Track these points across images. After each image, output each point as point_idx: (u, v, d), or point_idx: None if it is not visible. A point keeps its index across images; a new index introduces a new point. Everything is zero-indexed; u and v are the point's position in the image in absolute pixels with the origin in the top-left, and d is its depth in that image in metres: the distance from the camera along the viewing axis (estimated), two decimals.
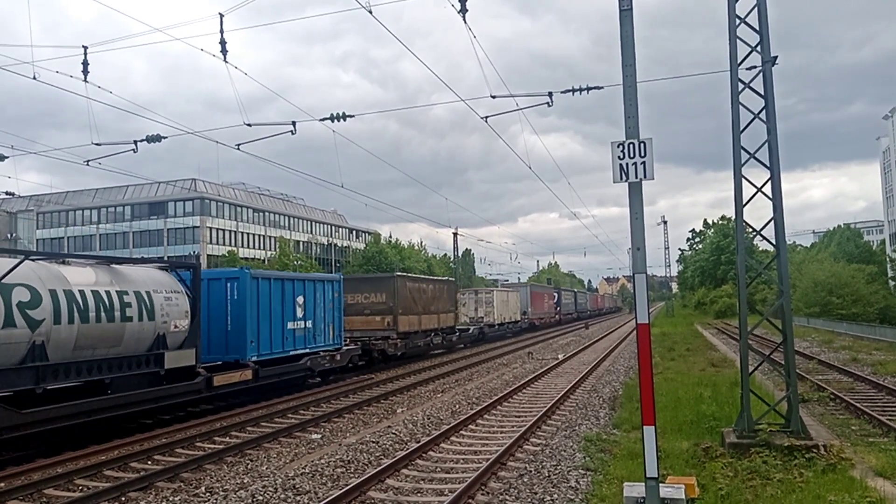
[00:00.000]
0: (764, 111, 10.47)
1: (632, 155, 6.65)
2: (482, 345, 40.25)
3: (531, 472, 9.82)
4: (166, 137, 17.03)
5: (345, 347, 21.86)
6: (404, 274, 33.48)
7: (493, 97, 15.66)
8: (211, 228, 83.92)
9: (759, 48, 10.43)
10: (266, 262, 79.56)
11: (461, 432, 13.16)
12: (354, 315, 26.09)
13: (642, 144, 6.64)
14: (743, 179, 10.45)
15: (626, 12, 6.95)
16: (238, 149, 17.34)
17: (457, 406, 16.37)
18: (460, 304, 41.06)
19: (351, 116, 16.16)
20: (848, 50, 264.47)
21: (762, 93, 10.50)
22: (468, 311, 42.33)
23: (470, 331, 38.15)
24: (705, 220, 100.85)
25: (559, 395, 16.83)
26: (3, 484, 10.11)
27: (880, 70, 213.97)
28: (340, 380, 21.82)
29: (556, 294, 68.85)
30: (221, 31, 13.86)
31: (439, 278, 38.90)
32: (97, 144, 17.21)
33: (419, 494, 9.16)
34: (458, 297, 40.34)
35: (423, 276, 39.50)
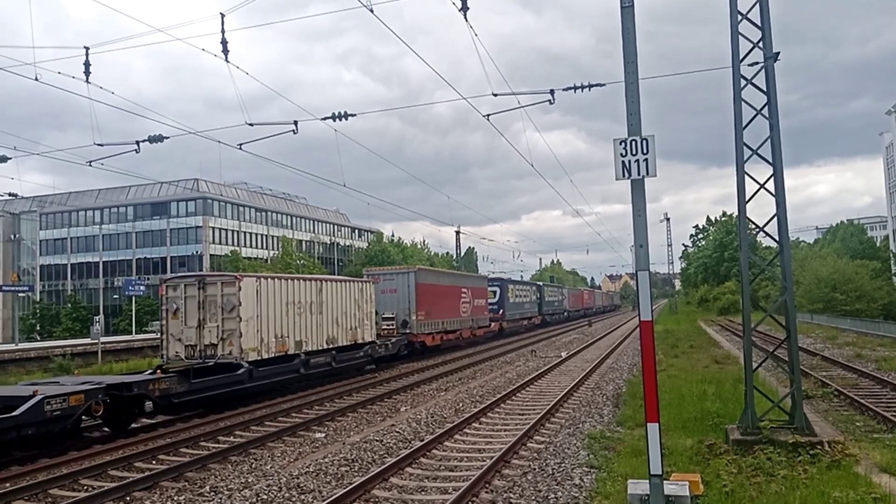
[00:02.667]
0: (766, 107, 10.44)
1: (634, 152, 6.64)
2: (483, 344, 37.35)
3: (535, 469, 9.82)
4: (168, 137, 17.03)
5: None
6: None
7: (495, 95, 15.64)
8: (213, 228, 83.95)
9: (761, 44, 10.41)
10: (269, 261, 79.66)
11: (465, 430, 13.17)
12: None
13: (644, 141, 6.62)
14: (746, 176, 10.43)
15: (627, 9, 6.93)
16: (240, 148, 17.35)
17: (460, 404, 16.38)
18: (163, 308, 18.77)
19: (353, 115, 16.15)
20: (853, 45, 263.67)
21: (765, 89, 10.47)
22: (180, 331, 18.24)
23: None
24: (707, 216, 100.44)
25: (562, 393, 16.83)
26: (8, 484, 10.16)
27: (886, 65, 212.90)
28: None
29: (496, 289, 44.44)
30: (223, 31, 13.86)
31: None
32: (99, 145, 17.23)
33: (423, 493, 9.17)
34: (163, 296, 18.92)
35: None
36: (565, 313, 67.72)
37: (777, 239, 10.60)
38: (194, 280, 18.81)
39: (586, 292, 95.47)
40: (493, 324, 42.01)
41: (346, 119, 16.08)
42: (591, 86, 15.11)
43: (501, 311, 44.34)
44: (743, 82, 10.46)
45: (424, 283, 30.49)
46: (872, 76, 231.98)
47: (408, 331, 28.87)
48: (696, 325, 51.68)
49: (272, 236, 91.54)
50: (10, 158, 18.55)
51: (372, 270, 30.20)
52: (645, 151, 6.61)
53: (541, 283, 61.53)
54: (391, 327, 28.59)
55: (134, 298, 51.66)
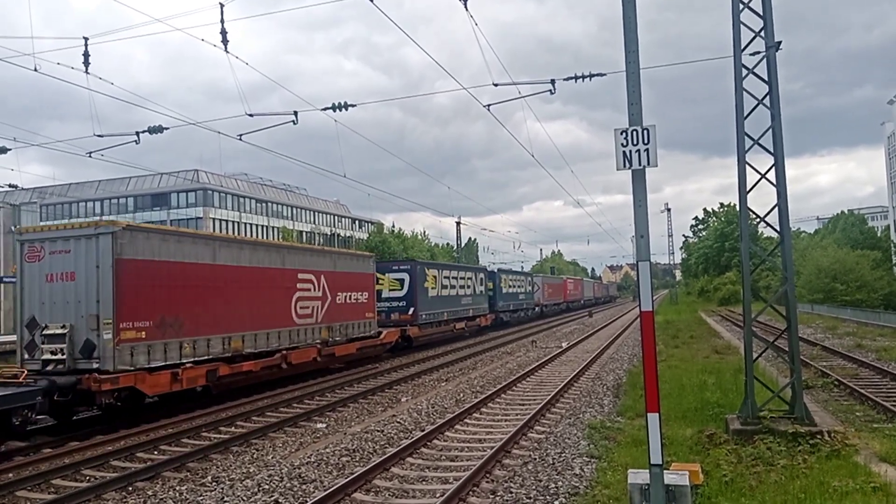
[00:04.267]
0: (768, 97, 10.40)
1: (635, 142, 6.60)
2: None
3: (536, 459, 9.85)
4: (168, 128, 16.96)
5: None
6: None
7: (496, 85, 15.56)
8: (214, 219, 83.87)
9: (762, 33, 10.35)
10: None
11: (466, 421, 13.20)
12: None
13: (645, 131, 6.59)
14: (747, 166, 10.40)
15: None
16: (240, 139, 17.30)
17: (461, 395, 16.42)
18: None
19: (353, 105, 16.08)
20: (857, 32, 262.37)
21: (766, 78, 10.42)
22: None
23: None
24: (704, 208, 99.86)
25: (563, 384, 16.86)
26: (11, 475, 10.21)
27: (890, 53, 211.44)
28: None
29: (404, 276, 29.35)
30: (222, 21, 13.77)
31: None
32: (99, 136, 17.17)
33: (424, 483, 9.21)
34: None
35: None
36: (537, 308, 53.17)
37: (778, 229, 10.58)
38: None
39: (570, 281, 76.88)
40: (385, 332, 25.66)
41: (347, 109, 16.01)
42: (592, 75, 15.03)
43: (412, 309, 29.04)
44: (744, 72, 10.41)
45: (149, 259, 13.96)
46: (876, 64, 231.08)
47: (94, 363, 12.89)
48: (697, 316, 51.71)
49: (272, 227, 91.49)
50: (9, 149, 18.52)
51: (27, 233, 14.20)
52: (646, 141, 6.58)
53: (494, 270, 45.37)
54: (58, 357, 12.96)
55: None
